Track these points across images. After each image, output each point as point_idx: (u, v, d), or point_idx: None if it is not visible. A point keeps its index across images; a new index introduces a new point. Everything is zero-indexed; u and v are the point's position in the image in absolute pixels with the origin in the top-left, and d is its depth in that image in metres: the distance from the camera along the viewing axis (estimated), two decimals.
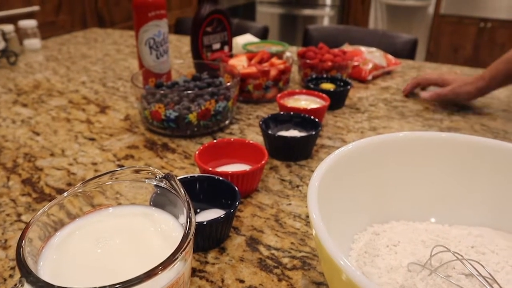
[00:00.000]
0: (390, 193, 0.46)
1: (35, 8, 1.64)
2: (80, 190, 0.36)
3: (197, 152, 0.56)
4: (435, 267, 0.36)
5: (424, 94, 0.89)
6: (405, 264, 0.37)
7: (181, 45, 1.43)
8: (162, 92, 0.72)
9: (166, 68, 0.88)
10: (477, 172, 0.45)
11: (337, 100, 0.85)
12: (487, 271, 0.35)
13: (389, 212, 0.46)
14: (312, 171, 0.62)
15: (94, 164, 0.65)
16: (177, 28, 1.87)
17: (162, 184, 0.37)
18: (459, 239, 0.42)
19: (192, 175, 0.51)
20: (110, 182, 0.39)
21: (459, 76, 0.88)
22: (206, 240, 0.46)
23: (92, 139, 0.73)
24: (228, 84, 0.74)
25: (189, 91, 0.72)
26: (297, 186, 0.58)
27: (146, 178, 0.39)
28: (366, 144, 0.44)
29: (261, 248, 0.46)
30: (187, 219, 0.32)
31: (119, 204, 0.40)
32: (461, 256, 0.37)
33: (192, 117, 0.70)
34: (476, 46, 3.59)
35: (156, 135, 0.74)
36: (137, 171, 0.39)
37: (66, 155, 0.67)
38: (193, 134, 0.73)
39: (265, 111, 0.85)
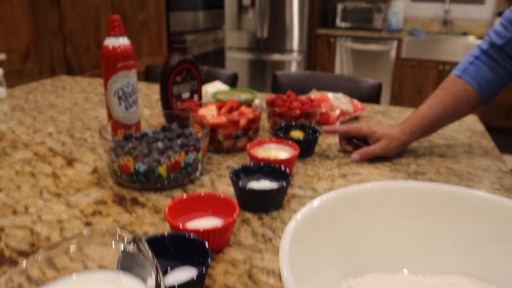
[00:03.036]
0: (363, 245, 0.46)
1: (1, 56, 1.62)
2: (44, 255, 0.35)
3: (167, 209, 0.55)
4: None
5: (355, 156, 0.86)
6: None
7: (151, 93, 1.43)
8: (130, 145, 0.71)
9: (135, 118, 0.88)
10: (446, 220, 0.46)
11: (306, 148, 0.86)
12: None
13: (363, 264, 0.46)
14: (285, 223, 0.62)
15: (60, 221, 0.62)
16: (147, 76, 1.88)
17: (129, 247, 0.36)
18: None
19: (161, 233, 0.50)
20: (76, 247, 0.37)
21: (383, 127, 0.89)
22: None
23: (58, 195, 0.71)
24: (198, 135, 0.74)
25: (159, 143, 0.71)
26: (270, 240, 0.58)
27: (114, 241, 0.38)
28: (336, 198, 0.44)
29: None
30: (156, 284, 0.31)
31: (86, 267, 0.38)
32: None
33: (162, 170, 0.70)
34: (437, 87, 3.74)
35: (125, 189, 0.72)
36: (104, 234, 0.38)
37: (30, 212, 0.65)
38: (163, 187, 0.72)
39: (236, 160, 0.85)
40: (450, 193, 0.46)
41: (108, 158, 0.74)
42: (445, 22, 4.11)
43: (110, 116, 0.87)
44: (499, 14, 3.90)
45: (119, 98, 0.86)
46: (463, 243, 0.46)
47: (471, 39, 3.82)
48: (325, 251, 0.43)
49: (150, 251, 0.35)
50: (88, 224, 0.62)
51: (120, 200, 0.69)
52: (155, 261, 0.34)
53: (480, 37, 3.82)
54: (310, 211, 0.42)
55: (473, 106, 0.87)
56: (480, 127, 1.12)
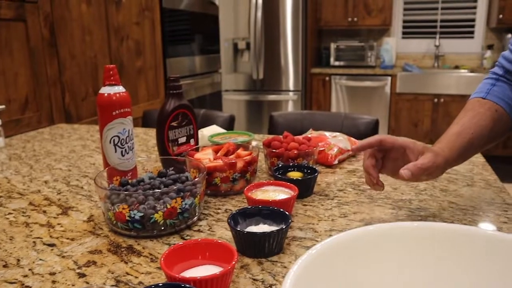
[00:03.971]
0: None
1: (1, 107, 1.63)
2: None
3: (162, 258, 0.53)
4: None
5: (405, 172, 0.67)
6: None
7: (149, 138, 1.43)
8: (126, 192, 0.70)
9: (131, 165, 0.87)
10: (457, 264, 0.44)
11: (305, 188, 0.84)
12: None
13: None
14: (285, 267, 0.60)
15: (52, 274, 0.60)
16: (145, 120, 1.89)
17: None
18: None
19: (157, 284, 0.48)
20: None
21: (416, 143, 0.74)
22: None
23: (52, 245, 0.69)
24: (195, 179, 0.73)
25: (155, 190, 0.70)
26: (270, 286, 0.56)
27: None
28: (337, 242, 0.43)
29: None
30: None
31: None
32: None
33: (158, 216, 0.68)
34: (433, 120, 3.78)
35: (121, 237, 0.71)
36: None
37: (21, 265, 0.63)
38: (160, 234, 0.70)
39: (233, 203, 0.83)
40: (457, 233, 0.45)
41: (104, 206, 0.72)
42: (437, 57, 4.19)
43: (106, 163, 0.86)
44: (489, 47, 3.99)
45: (115, 145, 0.85)
46: (476, 285, 0.44)
47: (463, 71, 3.88)
48: None
49: None
50: (82, 275, 0.60)
51: (115, 249, 0.67)
52: None
53: (472, 70, 3.88)
54: (310, 257, 0.40)
55: (507, 127, 0.78)
56: (480, 159, 1.11)
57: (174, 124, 0.98)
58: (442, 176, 0.97)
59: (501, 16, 3.70)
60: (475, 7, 4.10)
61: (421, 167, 0.67)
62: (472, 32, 4.15)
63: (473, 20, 4.13)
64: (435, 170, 0.69)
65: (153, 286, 0.47)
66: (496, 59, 3.96)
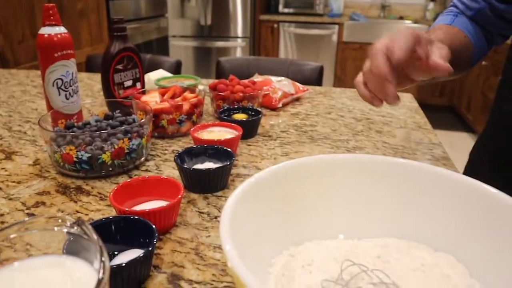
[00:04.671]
0: (302, 215, 0.49)
1: None
2: None
3: (111, 193, 0.56)
4: (346, 281, 0.39)
5: (437, 61, 0.53)
6: (319, 281, 0.40)
7: (93, 83, 1.40)
8: (72, 134, 0.70)
9: (76, 108, 0.86)
10: (378, 188, 0.50)
11: (249, 129, 0.88)
12: (389, 277, 0.38)
13: (303, 233, 0.48)
14: None
15: (1, 215, 0.61)
16: (88, 65, 1.83)
17: (73, 231, 0.37)
18: (366, 250, 0.45)
19: (107, 217, 0.50)
20: (18, 234, 0.37)
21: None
22: (126, 282, 0.45)
23: None
24: (141, 121, 0.74)
25: (101, 131, 0.71)
26: (215, 217, 0.60)
27: (57, 226, 0.38)
28: (274, 172, 0.47)
29: (183, 284, 0.47)
30: (100, 263, 0.32)
31: (29, 255, 0.38)
32: (367, 268, 0.40)
33: (106, 157, 0.70)
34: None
35: (69, 178, 0.72)
36: (46, 220, 0.38)
37: None
38: (108, 174, 0.72)
39: (180, 145, 0.86)
40: (381, 163, 0.50)
41: (50, 148, 0.72)
42: (383, 7, 4.25)
43: (49, 107, 0.85)
44: None
45: (58, 88, 0.84)
46: (394, 208, 0.49)
47: (408, 22, 3.98)
48: (266, 223, 0.46)
49: (94, 233, 0.35)
50: (31, 215, 0.61)
51: (64, 190, 0.68)
52: (99, 241, 0.34)
53: (415, 21, 3.99)
54: (249, 186, 0.44)
55: (471, 58, 0.74)
56: (414, 104, 1.19)
57: (119, 67, 0.97)
58: (378, 119, 1.04)
59: None
60: None
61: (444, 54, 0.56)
62: None
63: None
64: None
65: (103, 219, 0.50)
66: (438, 11, 4.08)
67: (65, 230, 0.38)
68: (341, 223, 0.50)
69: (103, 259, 0.32)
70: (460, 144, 3.35)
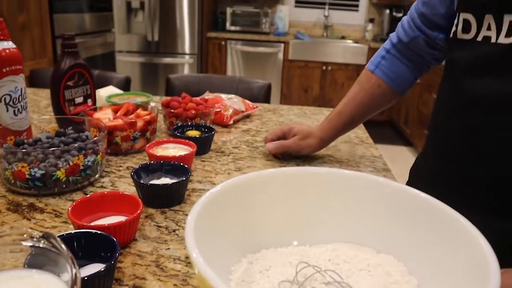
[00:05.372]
0: (258, 225, 0.52)
1: None
2: None
3: (70, 209, 0.56)
4: (301, 282, 0.43)
5: (269, 146, 0.89)
6: (277, 283, 0.43)
7: (39, 98, 1.37)
8: (24, 151, 0.70)
9: (25, 124, 0.85)
10: (327, 198, 0.54)
11: (203, 146, 0.91)
12: (340, 277, 0.43)
13: (259, 242, 0.52)
14: (186, 215, 0.66)
15: None
16: (31, 80, 1.78)
17: (40, 244, 0.38)
18: (318, 255, 0.49)
19: (67, 232, 0.51)
20: None
21: (300, 125, 0.94)
22: None
23: None
24: (96, 138, 0.75)
25: (55, 148, 0.71)
26: (174, 231, 0.62)
27: (21, 240, 0.39)
28: (231, 185, 0.50)
29: None
30: (72, 275, 0.33)
31: None
32: (320, 268, 0.44)
33: (60, 173, 0.70)
34: (322, 86, 4.05)
35: (21, 196, 0.71)
36: (10, 234, 0.39)
37: None
38: (62, 191, 0.72)
39: (134, 161, 0.87)
40: (326, 174, 0.55)
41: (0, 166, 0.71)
42: (326, 27, 4.44)
43: None
44: (371, 20, 4.33)
45: (6, 104, 0.82)
46: (341, 216, 0.54)
47: (349, 42, 4.18)
48: (225, 234, 0.49)
49: (63, 245, 0.37)
50: None
51: (15, 207, 0.67)
52: (69, 253, 0.36)
53: (356, 41, 4.20)
54: (210, 198, 0.47)
55: (387, 100, 0.90)
56: None
57: (70, 83, 0.97)
58: None
59: None
60: None
61: (284, 145, 0.89)
62: (357, 6, 4.46)
63: None
64: (303, 146, 0.89)
65: (64, 234, 0.50)
66: (376, 32, 4.33)
67: (30, 244, 0.39)
68: (294, 231, 0.54)
69: (74, 271, 0.34)
70: (400, 157, 3.54)
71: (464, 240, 0.41)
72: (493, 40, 0.59)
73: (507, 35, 0.58)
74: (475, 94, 0.63)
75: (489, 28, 0.60)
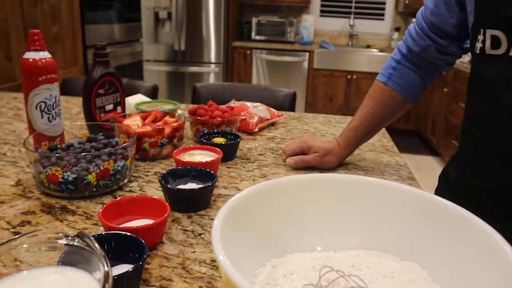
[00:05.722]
0: (282, 230, 0.53)
1: None
2: None
3: (100, 211, 0.58)
4: (325, 286, 0.44)
5: (290, 161, 0.91)
6: (300, 287, 0.44)
7: (71, 106, 1.41)
8: (58, 155, 0.73)
9: (58, 130, 0.88)
10: (351, 205, 0.55)
11: (229, 152, 0.92)
12: (364, 282, 0.43)
13: (283, 246, 0.53)
14: (212, 219, 0.67)
15: None
16: (63, 89, 1.84)
17: (74, 243, 0.40)
18: (341, 261, 0.50)
19: (98, 233, 0.53)
20: (10, 249, 0.39)
21: (319, 140, 0.94)
22: None
23: None
24: (125, 143, 0.77)
25: (86, 153, 0.73)
26: (200, 234, 0.63)
27: (57, 239, 0.41)
28: (257, 190, 0.51)
29: None
30: (104, 273, 0.35)
31: (30, 265, 0.40)
32: (343, 273, 0.45)
33: (91, 177, 0.72)
34: (347, 95, 4.03)
35: (54, 199, 0.73)
36: (46, 232, 0.41)
37: None
38: (93, 195, 0.74)
39: (162, 167, 0.89)
40: (353, 182, 0.55)
41: (34, 169, 0.74)
42: (351, 36, 4.43)
43: (31, 129, 0.87)
44: (396, 29, 4.30)
45: (41, 111, 0.86)
46: (365, 223, 0.54)
47: (374, 51, 4.16)
48: (250, 238, 0.50)
49: (97, 244, 0.38)
50: (17, 234, 0.63)
51: (49, 209, 0.70)
52: (103, 251, 0.37)
53: (381, 50, 4.17)
54: (236, 202, 0.48)
55: (402, 109, 0.92)
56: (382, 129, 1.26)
57: (101, 91, 1.00)
58: None
59: (407, 1, 4.00)
60: None
61: (304, 160, 0.91)
62: (383, 15, 4.43)
63: (384, 3, 4.41)
64: (323, 163, 0.91)
65: (95, 235, 0.52)
66: None
67: (65, 242, 0.41)
68: (318, 237, 0.54)
69: (107, 269, 0.35)
70: (426, 167, 3.49)
71: (490, 251, 0.41)
72: None
73: None
74: (510, 107, 0.62)
75: None
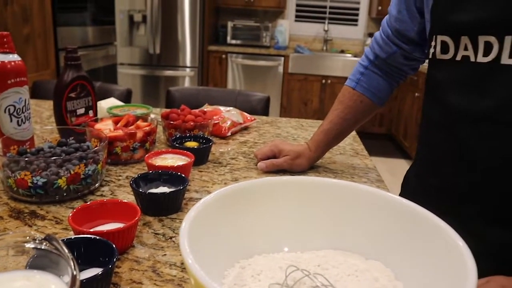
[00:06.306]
0: (251, 231, 0.54)
1: None
2: None
3: (70, 215, 0.58)
4: (291, 285, 0.45)
5: (261, 165, 0.92)
6: (267, 286, 0.45)
7: (42, 110, 1.39)
8: (27, 159, 0.72)
9: (28, 134, 0.87)
10: (318, 206, 0.56)
11: (201, 156, 0.93)
12: (328, 281, 0.44)
13: (252, 248, 0.54)
14: None
15: None
16: (34, 92, 1.81)
17: (42, 246, 0.40)
18: (308, 261, 0.51)
19: (68, 237, 0.53)
20: None
21: (290, 143, 0.97)
22: None
23: None
24: (96, 147, 0.77)
25: (57, 157, 0.73)
26: (171, 238, 0.64)
27: (24, 242, 0.41)
28: (225, 193, 0.52)
29: None
30: (72, 276, 0.35)
31: None
32: (308, 272, 0.46)
33: (61, 182, 0.72)
34: (321, 99, 4.09)
35: (22, 204, 0.73)
36: (14, 236, 0.41)
37: None
38: (63, 199, 0.74)
39: (134, 171, 0.89)
40: (318, 184, 0.57)
41: (2, 174, 0.73)
42: (326, 41, 4.50)
43: (0, 133, 0.86)
44: (370, 34, 4.39)
45: (10, 114, 0.85)
46: (330, 224, 0.56)
47: (348, 56, 4.23)
48: (219, 240, 0.51)
49: (65, 248, 0.39)
50: None
51: (17, 214, 0.69)
52: (70, 255, 0.38)
53: (355, 55, 4.25)
54: (205, 205, 0.49)
55: (370, 113, 0.95)
56: (353, 132, 1.29)
57: (72, 95, 0.99)
58: None
59: (380, 7, 4.09)
60: None
61: (275, 164, 0.92)
62: (356, 20, 4.52)
63: (357, 9, 4.49)
64: (294, 166, 0.93)
65: (64, 239, 0.52)
66: None
67: (33, 246, 0.41)
68: (285, 238, 0.56)
69: (74, 272, 0.36)
70: (399, 170, 3.56)
71: (446, 247, 0.43)
72: (472, 59, 0.63)
73: (484, 55, 0.61)
74: (461, 109, 0.66)
75: (466, 49, 0.63)
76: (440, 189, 0.73)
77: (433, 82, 0.73)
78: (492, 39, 0.59)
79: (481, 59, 0.61)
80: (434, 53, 0.70)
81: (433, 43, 0.70)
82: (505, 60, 0.59)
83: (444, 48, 0.67)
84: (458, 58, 0.65)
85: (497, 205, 0.65)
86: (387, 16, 0.86)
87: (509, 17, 0.58)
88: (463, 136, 0.66)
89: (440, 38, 0.67)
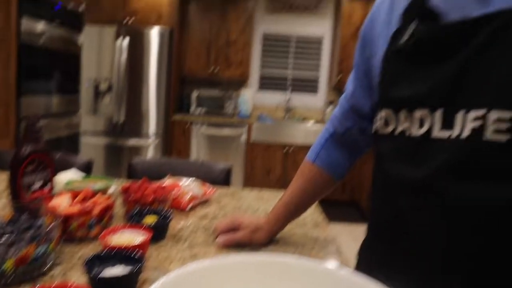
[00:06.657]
0: None
1: None
2: None
3: None
4: None
5: (220, 240, 0.92)
6: None
7: None
8: None
9: None
10: (276, 283, 0.56)
11: (159, 232, 0.92)
12: None
13: None
14: None
15: None
16: None
17: None
18: None
19: None
20: None
21: (249, 216, 0.99)
22: None
23: None
24: (49, 227, 0.75)
25: (4, 238, 0.70)
26: None
27: None
28: (178, 276, 0.52)
29: None
30: None
31: None
32: None
33: (8, 264, 0.69)
34: (284, 167, 4.16)
35: None
36: None
37: None
38: (9, 283, 0.70)
39: (90, 248, 0.86)
40: (275, 262, 0.57)
41: None
42: (288, 109, 4.65)
43: None
44: (330, 102, 4.58)
45: None
46: None
47: (310, 124, 4.37)
48: None
49: None
50: None
51: None
52: None
53: (317, 121, 4.40)
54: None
55: (329, 186, 0.97)
56: None
57: (29, 169, 0.98)
58: None
59: (339, 76, 4.31)
60: (319, 68, 4.71)
61: (235, 239, 0.92)
62: (317, 89, 4.73)
63: (318, 79, 4.72)
64: (253, 240, 0.93)
65: None
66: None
67: None
68: None
69: None
70: (363, 236, 3.57)
71: None
72: (407, 134, 0.67)
73: (419, 127, 0.65)
74: (397, 179, 0.70)
75: (404, 122, 0.68)
76: (385, 256, 0.75)
77: (377, 154, 0.78)
78: (425, 113, 0.64)
79: (416, 131, 0.65)
80: (377, 127, 0.74)
81: (378, 117, 0.74)
82: (436, 132, 0.63)
83: (387, 121, 0.71)
84: (397, 132, 0.69)
85: (427, 275, 0.67)
86: (344, 93, 0.92)
87: (437, 92, 0.63)
88: (400, 205, 0.69)
89: (384, 111, 0.72)
